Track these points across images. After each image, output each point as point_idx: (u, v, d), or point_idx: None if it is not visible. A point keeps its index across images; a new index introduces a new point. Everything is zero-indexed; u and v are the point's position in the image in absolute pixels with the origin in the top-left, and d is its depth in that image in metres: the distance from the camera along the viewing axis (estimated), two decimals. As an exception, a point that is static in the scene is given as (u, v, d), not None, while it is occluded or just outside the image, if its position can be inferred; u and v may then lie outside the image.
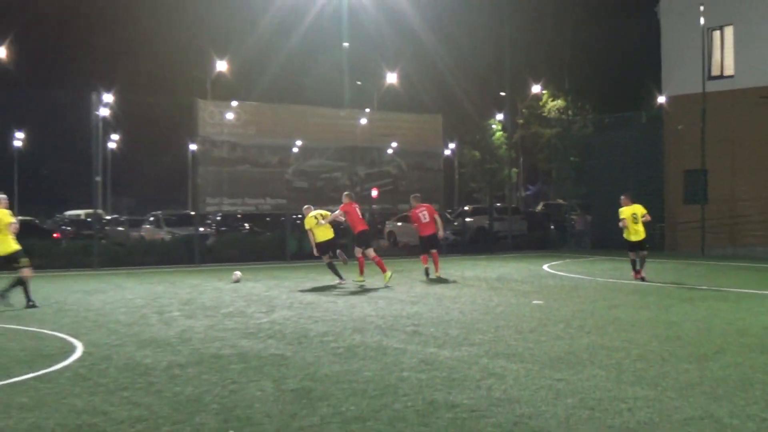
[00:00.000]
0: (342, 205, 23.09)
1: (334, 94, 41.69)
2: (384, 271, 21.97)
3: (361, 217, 23.64)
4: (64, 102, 51.08)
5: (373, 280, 22.14)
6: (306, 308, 16.76)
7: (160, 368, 10.43)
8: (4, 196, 17.75)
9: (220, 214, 38.06)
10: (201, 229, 34.43)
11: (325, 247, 22.81)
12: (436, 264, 23.99)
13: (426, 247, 24.22)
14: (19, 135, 72.21)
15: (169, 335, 13.14)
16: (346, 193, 23.84)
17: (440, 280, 22.98)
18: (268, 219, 39.65)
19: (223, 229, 40.34)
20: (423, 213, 24.20)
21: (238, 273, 23.92)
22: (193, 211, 32.27)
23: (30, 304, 17.19)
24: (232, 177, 31.23)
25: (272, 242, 34.22)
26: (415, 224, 24.50)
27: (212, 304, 17.71)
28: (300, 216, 35.10)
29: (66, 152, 66.69)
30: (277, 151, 32.47)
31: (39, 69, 74.70)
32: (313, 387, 9.25)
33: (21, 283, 17.36)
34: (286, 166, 32.72)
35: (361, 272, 22.45)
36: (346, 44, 37.02)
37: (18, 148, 73.36)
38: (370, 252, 22.95)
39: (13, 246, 17.38)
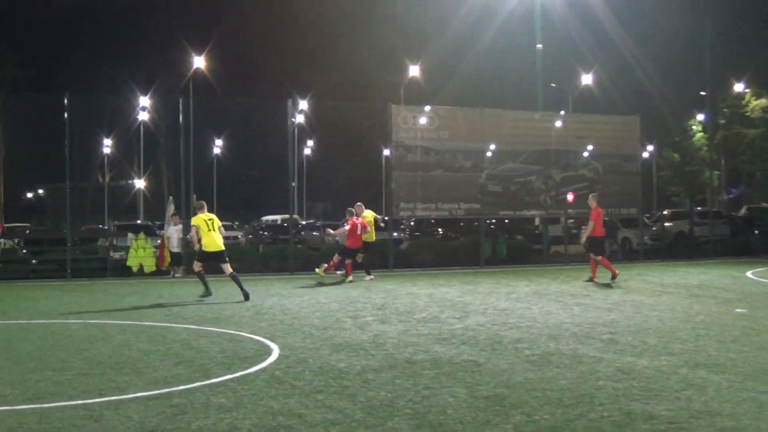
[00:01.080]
0: (351, 219, 26.15)
1: (528, 96, 41.43)
2: (327, 269, 26.15)
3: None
4: (261, 109, 52.57)
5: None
6: (500, 314, 16.70)
7: (354, 372, 10.59)
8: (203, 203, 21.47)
9: (414, 218, 38.36)
10: (395, 234, 34.81)
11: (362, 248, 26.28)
12: (594, 269, 23.95)
13: (601, 250, 24.27)
14: (218, 142, 74.61)
15: (363, 340, 13.32)
16: (350, 209, 26.63)
17: (637, 287, 22.54)
18: (461, 224, 39.65)
19: (416, 234, 40.61)
20: (602, 214, 24.30)
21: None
22: (386, 215, 32.71)
23: (245, 294, 19.94)
24: (425, 182, 31.43)
25: (466, 247, 34.22)
26: (593, 223, 24.35)
27: (406, 309, 17.86)
28: (493, 220, 35.06)
29: (263, 159, 68.53)
30: (470, 156, 32.46)
31: (236, 78, 77.02)
32: (506, 394, 9.21)
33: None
34: (480, 170, 32.64)
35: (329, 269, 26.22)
36: (539, 46, 36.74)
37: (217, 155, 75.82)
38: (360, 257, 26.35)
39: (221, 245, 20.87)
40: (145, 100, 47.95)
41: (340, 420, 8.17)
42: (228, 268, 20.54)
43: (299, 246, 36.20)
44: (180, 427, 7.95)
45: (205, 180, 70.51)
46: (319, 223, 52.11)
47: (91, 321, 16.42)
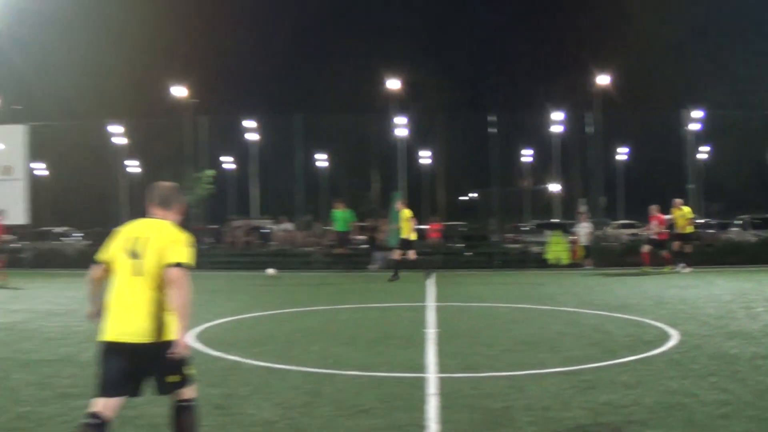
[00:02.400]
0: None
1: None
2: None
3: None
4: (658, 119, 51.35)
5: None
6: None
7: (745, 358, 10.23)
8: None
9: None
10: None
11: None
12: None
13: None
14: (622, 150, 73.26)
15: (753, 329, 12.77)
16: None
17: None
18: None
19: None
20: None
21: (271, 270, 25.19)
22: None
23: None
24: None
25: None
26: None
27: (797, 301, 16.88)
28: None
29: (661, 163, 66.53)
30: None
31: (637, 88, 75.14)
32: None
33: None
34: None
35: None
36: None
37: (625, 161, 74.47)
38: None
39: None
40: (557, 115, 48.38)
41: (731, 401, 7.99)
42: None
43: (696, 242, 35.00)
44: (589, 400, 8.11)
45: (610, 184, 69.57)
46: (713, 222, 49.94)
47: (515, 305, 16.96)
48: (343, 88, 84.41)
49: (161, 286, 5.59)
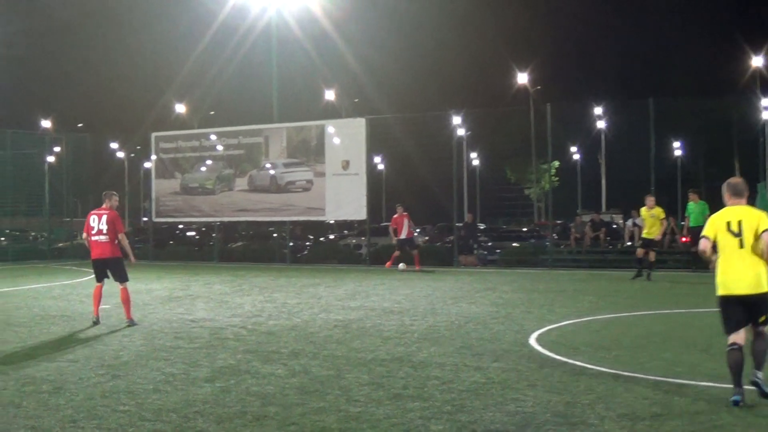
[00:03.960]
0: None
1: None
2: None
3: None
4: None
5: None
6: None
7: None
8: None
9: None
10: None
11: None
12: None
13: None
14: None
15: None
16: None
17: None
18: None
19: None
20: None
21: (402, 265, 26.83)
22: None
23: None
24: None
25: None
26: None
27: None
28: None
29: None
30: None
31: None
32: None
33: None
34: None
35: None
36: None
37: None
38: None
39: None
40: None
41: None
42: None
43: None
44: None
45: None
46: None
47: None
48: (699, 67, 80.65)
49: (757, 253, 7.98)
